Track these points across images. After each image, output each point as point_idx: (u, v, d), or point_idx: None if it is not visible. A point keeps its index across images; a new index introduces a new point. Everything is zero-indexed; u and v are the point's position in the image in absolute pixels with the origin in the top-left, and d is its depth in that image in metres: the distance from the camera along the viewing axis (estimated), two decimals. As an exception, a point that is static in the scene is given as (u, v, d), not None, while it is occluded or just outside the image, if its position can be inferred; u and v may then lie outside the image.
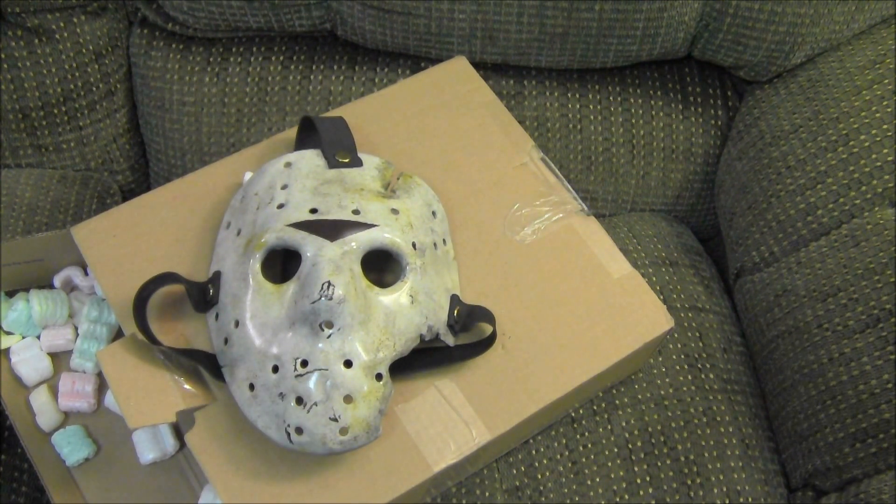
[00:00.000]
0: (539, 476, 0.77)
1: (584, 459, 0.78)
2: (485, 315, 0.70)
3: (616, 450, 0.78)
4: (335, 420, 0.61)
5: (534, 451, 0.78)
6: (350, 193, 0.68)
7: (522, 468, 0.78)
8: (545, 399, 0.70)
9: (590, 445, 0.78)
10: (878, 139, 0.81)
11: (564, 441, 0.79)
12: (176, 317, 0.70)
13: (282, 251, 0.73)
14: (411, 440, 0.67)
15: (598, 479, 0.77)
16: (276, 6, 0.90)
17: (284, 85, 0.95)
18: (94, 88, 0.95)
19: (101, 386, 0.78)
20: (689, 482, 0.77)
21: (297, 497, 0.64)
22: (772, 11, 0.85)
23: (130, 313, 0.67)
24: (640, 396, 0.80)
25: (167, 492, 0.74)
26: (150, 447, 0.74)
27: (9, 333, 0.78)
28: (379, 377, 0.63)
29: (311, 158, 0.72)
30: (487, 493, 0.76)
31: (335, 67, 0.96)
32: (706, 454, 0.78)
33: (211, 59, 0.96)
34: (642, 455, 0.78)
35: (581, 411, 0.80)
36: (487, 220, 0.77)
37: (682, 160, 0.97)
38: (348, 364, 0.62)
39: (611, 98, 0.96)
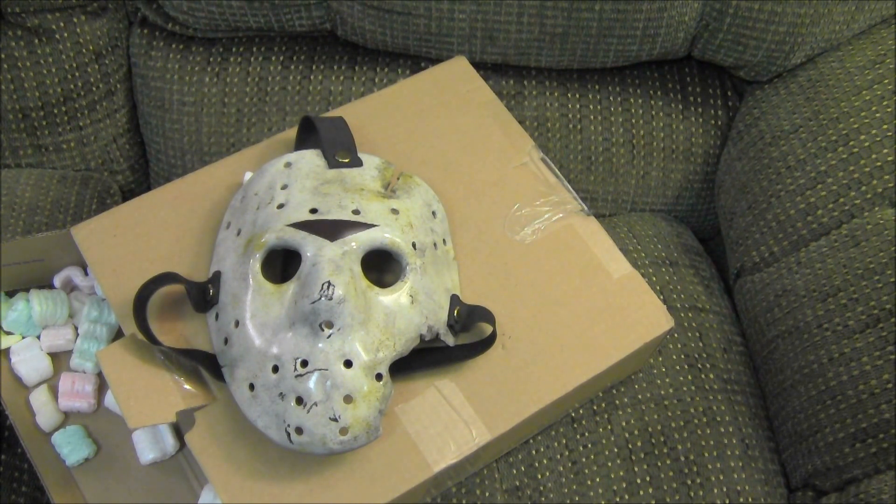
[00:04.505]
0: (539, 476, 0.77)
1: (584, 459, 0.78)
2: (485, 315, 0.70)
3: (616, 450, 0.78)
4: (335, 420, 0.61)
5: (534, 451, 0.78)
6: (350, 193, 0.68)
7: (522, 468, 0.78)
8: (545, 399, 0.70)
9: (590, 445, 0.78)
10: (878, 139, 0.81)
11: (564, 441, 0.78)
12: (176, 317, 0.70)
13: (282, 251, 0.73)
14: (411, 440, 0.67)
15: (598, 479, 0.77)
16: (276, 6, 0.90)
17: (284, 85, 0.95)
18: (94, 88, 0.95)
19: (101, 386, 0.78)
20: (689, 482, 0.77)
21: (297, 497, 0.64)
22: (772, 11, 0.85)
23: (130, 313, 0.67)
24: (640, 396, 0.80)
25: (167, 492, 0.74)
26: (150, 447, 0.73)
27: (9, 333, 0.78)
28: (379, 377, 0.63)
29: (311, 158, 0.72)
30: (487, 493, 0.76)
31: (335, 67, 0.96)
32: (706, 454, 0.78)
33: (211, 59, 0.96)
34: (642, 455, 0.78)
35: (581, 411, 0.80)
36: (487, 220, 0.77)
37: (682, 160, 0.97)
38: (348, 364, 0.62)
39: (611, 98, 0.96)
